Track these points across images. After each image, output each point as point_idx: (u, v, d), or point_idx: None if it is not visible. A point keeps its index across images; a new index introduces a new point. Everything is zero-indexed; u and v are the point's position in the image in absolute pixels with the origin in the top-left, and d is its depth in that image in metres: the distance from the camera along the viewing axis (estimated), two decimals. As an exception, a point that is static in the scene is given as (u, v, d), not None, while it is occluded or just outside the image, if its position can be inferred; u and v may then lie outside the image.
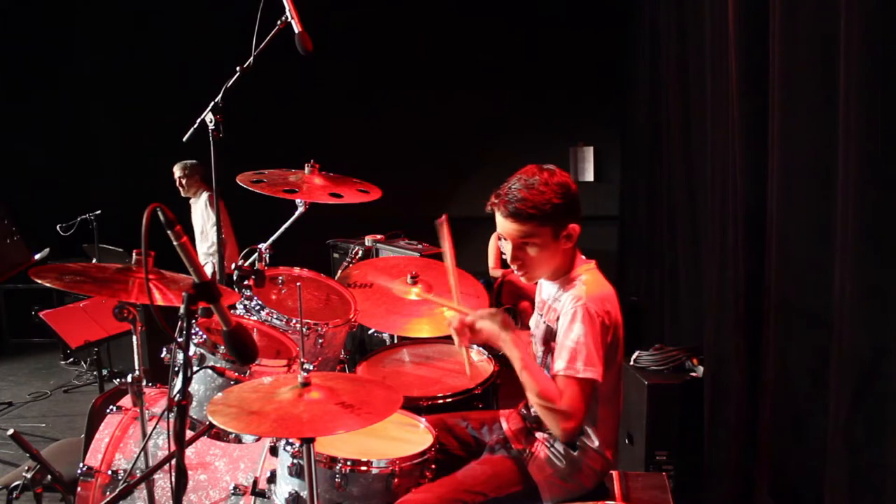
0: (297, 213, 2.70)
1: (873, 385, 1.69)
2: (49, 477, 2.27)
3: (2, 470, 3.76)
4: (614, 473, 2.36)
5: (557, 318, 2.03)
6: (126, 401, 2.47)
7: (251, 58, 2.70)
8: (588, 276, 2.06)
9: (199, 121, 2.84)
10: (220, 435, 2.17)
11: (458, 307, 2.27)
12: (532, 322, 2.26)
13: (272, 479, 2.13)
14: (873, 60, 1.63)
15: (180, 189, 5.37)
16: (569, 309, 1.97)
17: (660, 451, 3.07)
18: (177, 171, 5.31)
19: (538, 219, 1.97)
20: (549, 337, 2.09)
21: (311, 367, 1.93)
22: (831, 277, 1.86)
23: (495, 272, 5.04)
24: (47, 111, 6.68)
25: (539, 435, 2.16)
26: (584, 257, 2.12)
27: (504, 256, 2.14)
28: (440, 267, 3.16)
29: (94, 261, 5.16)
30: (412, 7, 6.31)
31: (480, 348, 2.97)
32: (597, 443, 2.07)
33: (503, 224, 2.03)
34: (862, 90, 1.66)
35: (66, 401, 5.03)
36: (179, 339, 1.52)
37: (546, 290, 2.20)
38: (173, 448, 1.46)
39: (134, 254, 2.21)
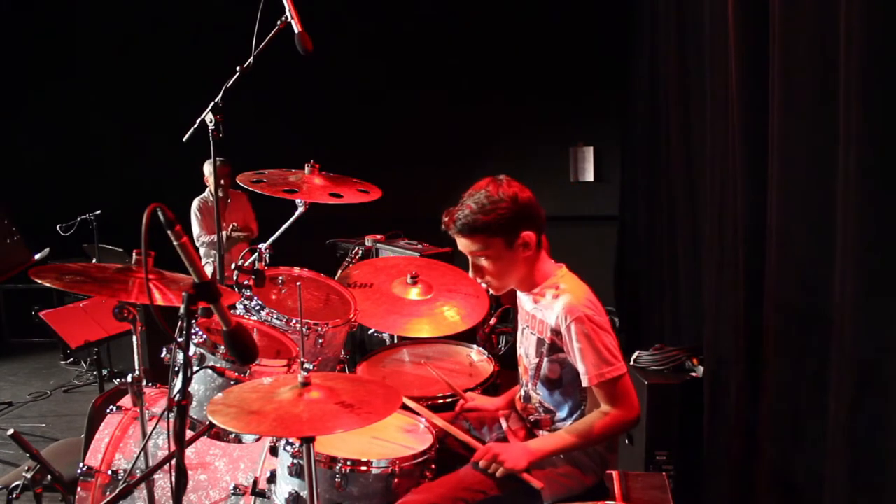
0: (297, 213, 2.70)
1: (873, 385, 1.69)
2: (49, 477, 2.26)
3: (2, 470, 3.76)
4: (614, 473, 2.37)
5: (549, 329, 2.06)
6: (126, 401, 2.47)
7: (251, 58, 2.70)
8: (564, 281, 2.08)
9: (199, 121, 2.84)
10: (220, 435, 2.17)
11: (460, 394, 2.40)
12: (519, 334, 2.27)
13: (272, 479, 2.13)
14: (873, 60, 1.63)
15: (220, 188, 5.15)
16: (565, 326, 2.00)
17: (660, 451, 3.07)
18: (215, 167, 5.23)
19: (486, 231, 1.99)
20: (540, 347, 2.11)
21: (311, 367, 1.92)
22: (831, 277, 1.86)
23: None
24: (47, 111, 6.68)
25: (538, 433, 2.17)
26: (553, 262, 2.14)
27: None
28: (440, 267, 3.17)
29: (94, 261, 5.16)
30: (412, 6, 6.31)
31: (480, 348, 2.98)
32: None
33: (457, 241, 2.06)
34: (861, 90, 1.66)
35: (66, 401, 5.03)
36: (179, 339, 1.52)
37: (526, 303, 2.21)
38: (173, 448, 1.46)
39: (134, 254, 2.21)
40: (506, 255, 2.03)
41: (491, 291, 2.16)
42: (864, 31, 1.64)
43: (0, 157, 6.46)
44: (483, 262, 2.05)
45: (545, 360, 2.10)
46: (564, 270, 2.14)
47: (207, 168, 5.12)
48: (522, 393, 2.25)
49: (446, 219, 2.05)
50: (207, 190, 5.25)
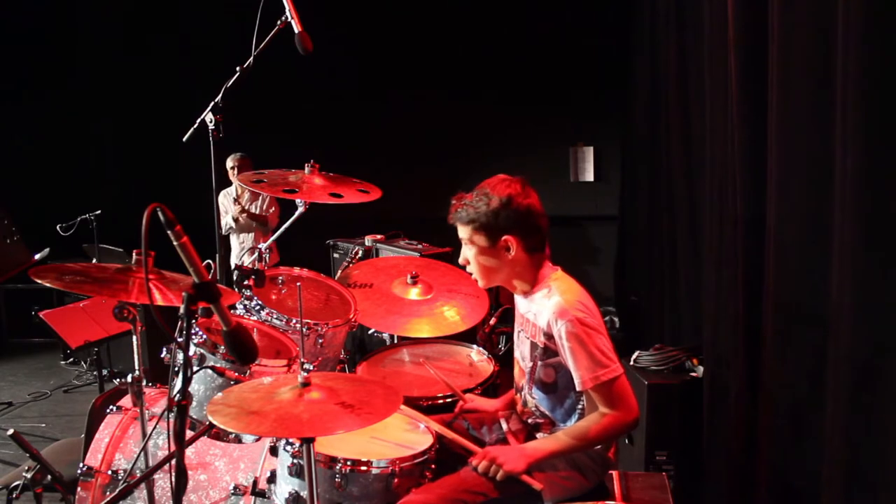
0: (297, 213, 2.70)
1: (871, 384, 1.69)
2: (49, 477, 2.27)
3: (2, 470, 3.76)
4: (614, 473, 2.36)
5: (541, 333, 2.06)
6: (126, 401, 2.47)
7: (251, 58, 2.70)
8: (556, 284, 2.08)
9: (199, 121, 2.84)
10: (220, 435, 2.17)
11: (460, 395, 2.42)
12: (515, 337, 2.28)
13: (272, 479, 2.13)
14: (871, 59, 1.63)
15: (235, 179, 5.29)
16: (556, 330, 1.99)
17: (660, 451, 3.07)
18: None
19: (473, 223, 2.06)
20: (534, 351, 2.11)
21: (311, 367, 1.93)
22: (829, 277, 1.87)
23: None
24: (47, 111, 6.68)
25: (538, 435, 2.17)
26: (550, 265, 2.14)
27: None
28: (440, 267, 3.17)
29: (94, 261, 5.16)
30: (412, 6, 6.31)
31: (480, 348, 2.98)
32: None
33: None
34: (859, 90, 1.66)
35: (66, 401, 5.03)
36: (179, 339, 1.52)
37: (520, 305, 2.22)
38: (173, 448, 1.46)
39: (134, 254, 2.21)
40: (488, 253, 2.08)
41: (480, 284, 2.20)
42: (862, 31, 1.65)
43: (0, 157, 6.46)
44: (469, 252, 2.12)
45: (539, 364, 2.10)
46: (559, 273, 2.13)
47: (230, 162, 5.21)
48: (520, 396, 2.25)
49: (454, 201, 2.12)
50: (233, 186, 5.33)
